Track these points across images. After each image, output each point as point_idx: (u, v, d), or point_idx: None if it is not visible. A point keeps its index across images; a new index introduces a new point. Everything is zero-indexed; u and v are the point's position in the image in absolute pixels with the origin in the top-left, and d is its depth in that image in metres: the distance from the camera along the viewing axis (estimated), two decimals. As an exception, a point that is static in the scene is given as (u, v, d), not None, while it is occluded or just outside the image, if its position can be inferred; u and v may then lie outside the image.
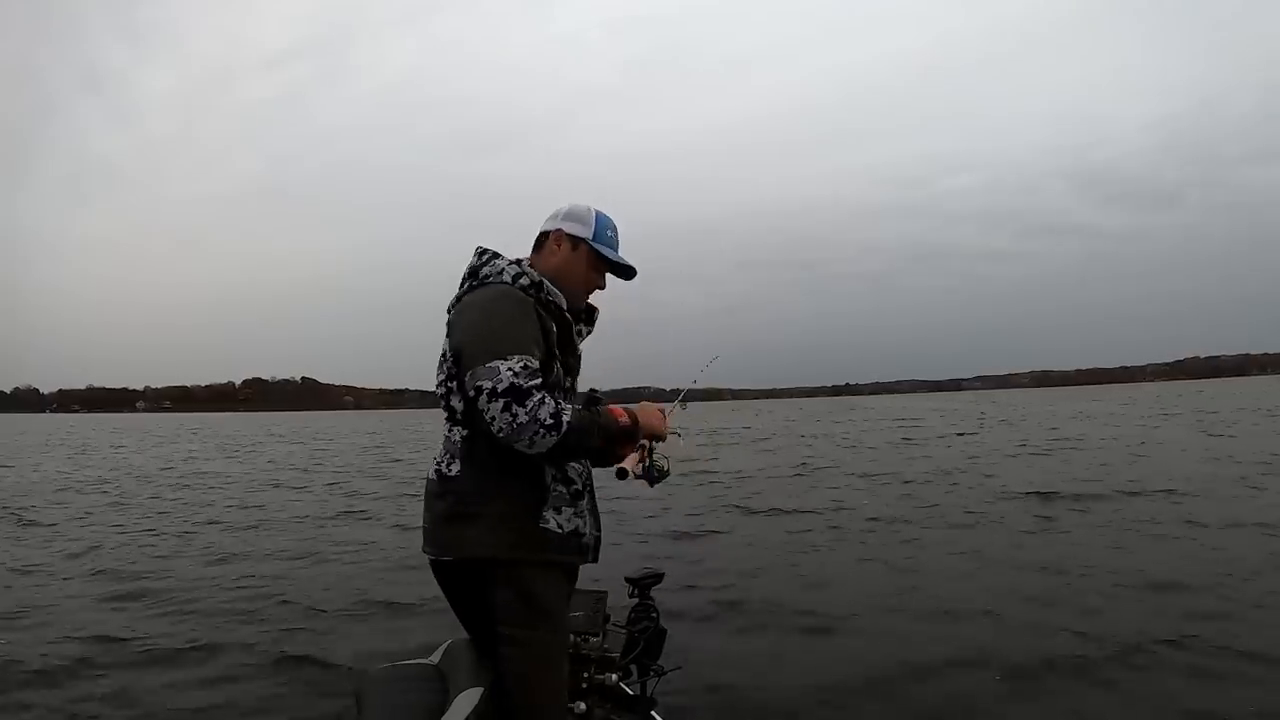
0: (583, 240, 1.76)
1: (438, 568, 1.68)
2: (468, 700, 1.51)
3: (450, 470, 1.62)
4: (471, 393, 1.49)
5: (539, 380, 1.48)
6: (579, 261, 1.76)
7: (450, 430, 1.66)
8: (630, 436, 1.59)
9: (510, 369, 1.45)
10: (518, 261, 1.72)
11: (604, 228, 1.78)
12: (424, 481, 1.71)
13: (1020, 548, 6.06)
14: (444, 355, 1.67)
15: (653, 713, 1.89)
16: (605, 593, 2.00)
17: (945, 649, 3.79)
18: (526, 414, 1.41)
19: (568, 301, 1.71)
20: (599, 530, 1.74)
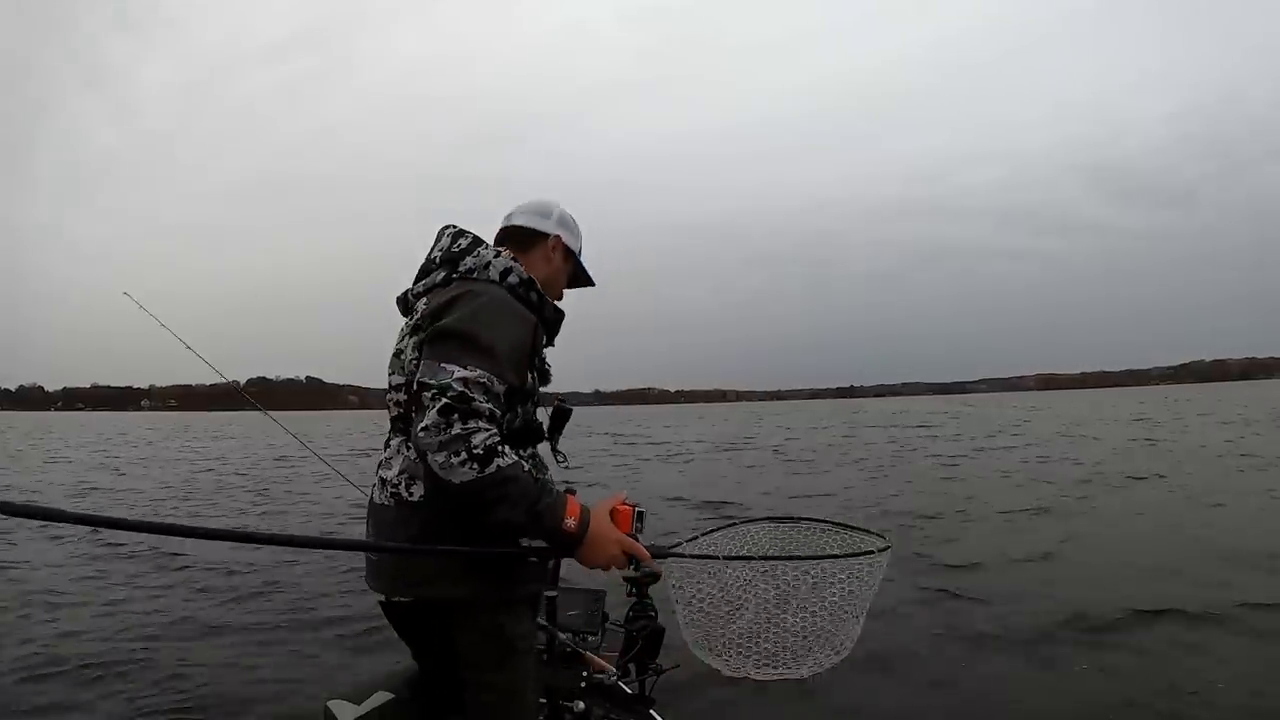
0: (573, 254, 1.63)
1: (390, 608, 1.46)
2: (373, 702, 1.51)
3: (412, 494, 1.36)
4: (416, 386, 1.30)
5: (493, 407, 1.25)
6: (564, 273, 1.62)
7: (408, 446, 1.39)
8: (565, 545, 1.31)
9: (468, 376, 1.24)
10: (499, 252, 1.49)
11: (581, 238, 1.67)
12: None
13: None
14: (399, 354, 1.46)
15: (651, 711, 1.89)
16: (603, 592, 1.98)
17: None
18: (461, 429, 1.20)
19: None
20: None
